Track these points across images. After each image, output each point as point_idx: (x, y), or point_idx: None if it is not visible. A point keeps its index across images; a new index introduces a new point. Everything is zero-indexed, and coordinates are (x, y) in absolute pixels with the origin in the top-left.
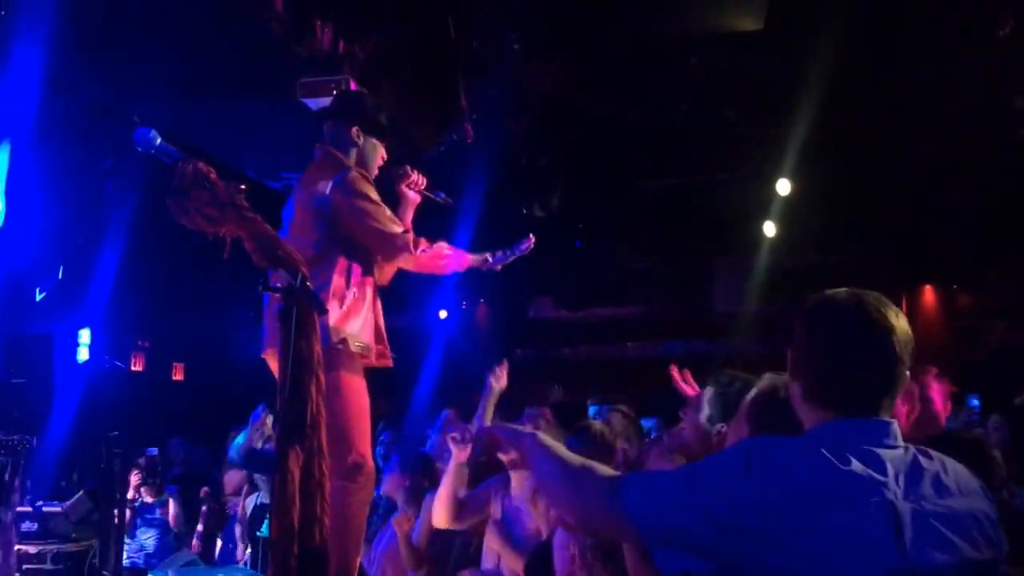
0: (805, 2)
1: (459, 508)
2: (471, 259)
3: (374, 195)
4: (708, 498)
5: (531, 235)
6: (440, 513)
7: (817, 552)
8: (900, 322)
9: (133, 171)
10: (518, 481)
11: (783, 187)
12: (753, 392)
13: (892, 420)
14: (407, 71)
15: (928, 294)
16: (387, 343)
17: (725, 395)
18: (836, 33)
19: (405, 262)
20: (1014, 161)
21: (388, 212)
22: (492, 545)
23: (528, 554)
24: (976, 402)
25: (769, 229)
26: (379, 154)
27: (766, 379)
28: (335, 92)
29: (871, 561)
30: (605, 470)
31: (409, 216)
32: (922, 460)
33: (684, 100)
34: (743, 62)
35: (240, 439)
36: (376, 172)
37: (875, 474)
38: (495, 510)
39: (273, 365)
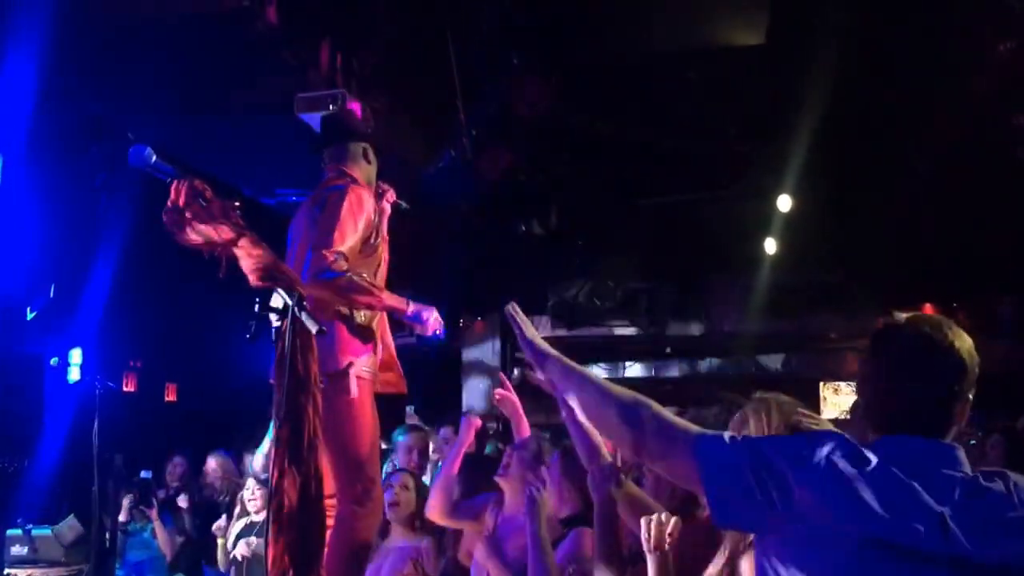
0: (807, 16)
1: (453, 507)
2: (392, 302)
3: (360, 220)
4: (779, 472)
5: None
6: (434, 505)
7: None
8: (964, 344)
9: (127, 188)
10: (512, 496)
11: (784, 203)
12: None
13: (956, 446)
14: (405, 86)
15: (928, 312)
16: (399, 369)
17: (713, 425)
18: (838, 47)
19: (311, 274)
20: (1015, 179)
21: (351, 242)
22: (481, 560)
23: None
24: (977, 421)
25: (769, 246)
26: (373, 170)
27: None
28: (332, 107)
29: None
30: (668, 414)
31: (382, 227)
32: (985, 482)
33: (683, 116)
34: (743, 77)
35: (261, 450)
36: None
37: (931, 499)
38: (487, 523)
39: None
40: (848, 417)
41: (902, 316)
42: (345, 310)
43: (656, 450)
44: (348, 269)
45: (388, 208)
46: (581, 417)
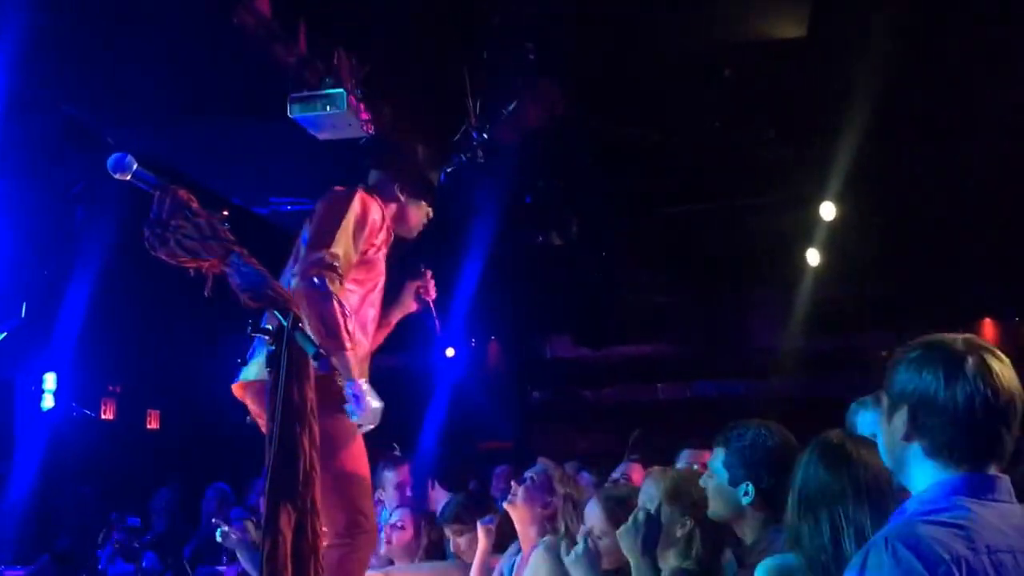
0: (853, 5)
1: None
2: (347, 363)
3: (364, 228)
4: None
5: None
6: None
7: None
8: (1005, 372)
9: (106, 199)
10: (522, 528)
11: (827, 211)
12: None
13: (1002, 475)
14: (410, 84)
15: (988, 328)
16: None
17: (740, 452)
18: (886, 40)
19: (301, 277)
20: None
21: (350, 242)
22: None
23: None
24: None
25: (812, 258)
26: (423, 214)
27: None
28: (328, 109)
29: None
30: None
31: (395, 319)
32: None
33: (716, 116)
34: (782, 73)
35: None
36: (415, 231)
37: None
38: (501, 566)
39: (247, 401)
40: None
41: (935, 339)
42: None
43: None
44: (337, 289)
45: (411, 302)
46: None
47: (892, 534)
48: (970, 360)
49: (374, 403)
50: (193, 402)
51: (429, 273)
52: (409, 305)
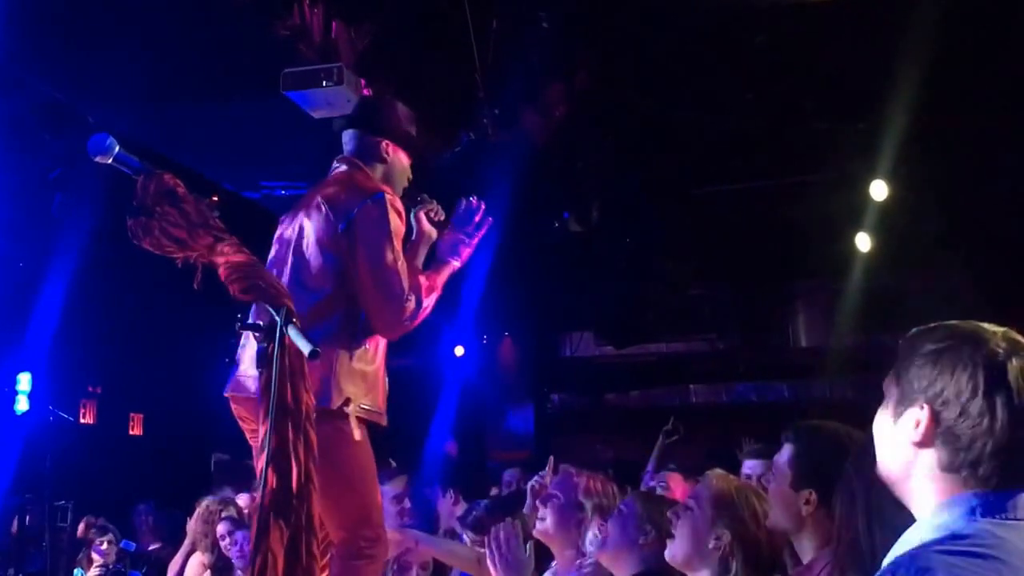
0: None
1: None
2: (444, 276)
3: (399, 240)
4: None
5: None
6: None
7: None
8: None
9: (86, 184)
10: (559, 555)
11: (877, 191)
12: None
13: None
14: (412, 57)
15: None
16: (385, 400)
17: (809, 453)
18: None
19: (392, 332)
20: None
21: (404, 266)
22: None
23: None
24: None
25: (862, 243)
26: (406, 173)
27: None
28: (325, 84)
29: None
30: None
31: (422, 254)
32: None
33: (750, 90)
34: (824, 39)
35: None
36: (401, 192)
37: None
38: None
39: (239, 409)
40: None
41: (958, 328)
42: (343, 347)
43: None
44: (417, 296)
45: (428, 227)
46: None
47: (903, 567)
48: (1015, 363)
49: (471, 216)
50: (180, 405)
51: (425, 196)
52: (427, 234)
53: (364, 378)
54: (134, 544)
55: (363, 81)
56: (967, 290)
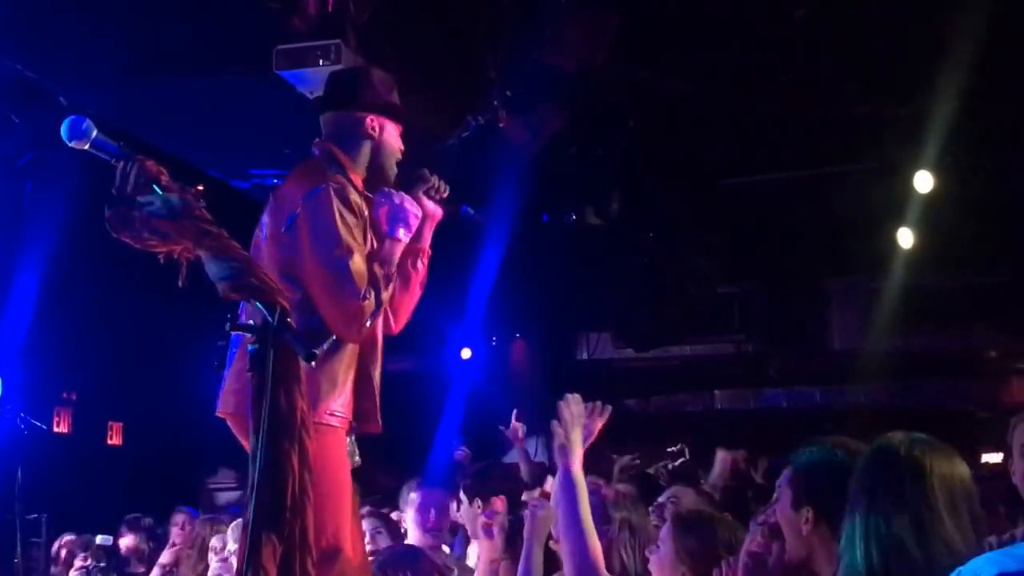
0: None
1: None
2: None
3: (353, 233)
4: None
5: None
6: None
7: None
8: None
9: (60, 171)
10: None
11: (922, 182)
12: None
13: None
14: (417, 34)
15: None
16: (377, 401)
17: (806, 469)
18: None
19: (351, 334)
20: None
21: (359, 261)
22: None
23: None
24: None
25: (904, 239)
26: (397, 148)
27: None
28: (322, 63)
29: None
30: None
31: (428, 235)
32: None
33: (787, 69)
34: (869, 13)
35: None
36: (394, 172)
37: None
38: None
39: (237, 426)
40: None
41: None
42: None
43: None
44: (376, 294)
45: (431, 206)
46: None
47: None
48: None
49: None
50: (164, 414)
51: (425, 172)
52: (431, 214)
53: (325, 385)
54: (111, 538)
55: (362, 59)
56: (1016, 291)
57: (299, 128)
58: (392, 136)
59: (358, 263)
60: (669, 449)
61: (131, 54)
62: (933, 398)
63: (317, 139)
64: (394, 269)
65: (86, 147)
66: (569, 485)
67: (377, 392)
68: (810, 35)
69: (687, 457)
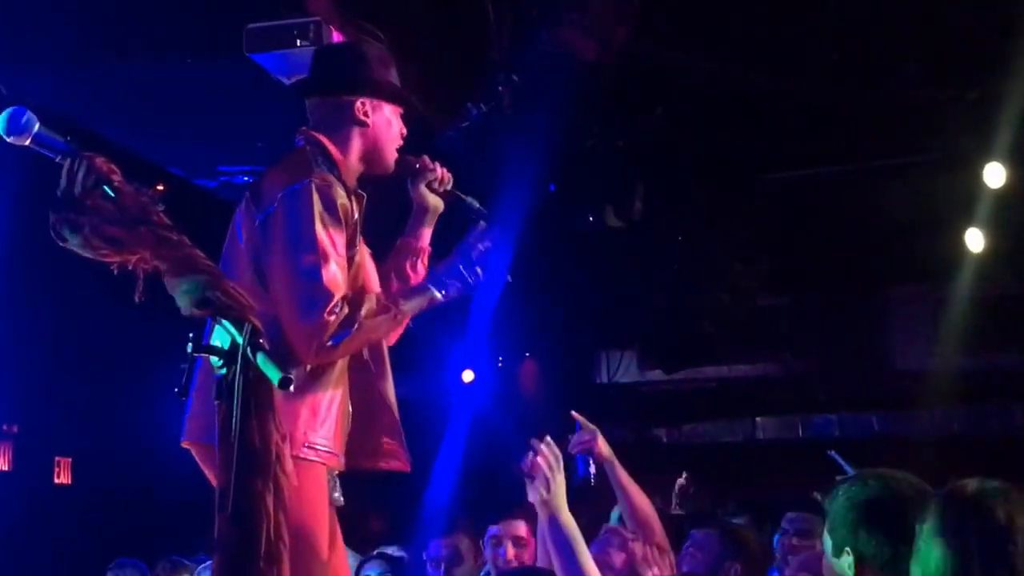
0: None
1: None
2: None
3: (334, 237)
4: None
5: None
6: None
7: None
8: None
9: None
10: None
11: (994, 176)
12: None
13: None
14: (410, 11)
15: None
16: (400, 436)
17: (847, 508)
18: None
19: (307, 350)
20: None
21: (334, 270)
22: None
23: None
24: None
25: (974, 241)
26: (396, 134)
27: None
28: (299, 43)
29: None
30: None
31: (428, 232)
32: None
33: (835, 49)
34: None
35: None
36: (392, 162)
37: None
38: None
39: (203, 457)
40: None
41: None
42: None
43: None
44: (352, 312)
45: (432, 199)
46: None
47: None
48: None
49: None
50: (118, 447)
51: (425, 159)
52: (432, 207)
53: (304, 413)
54: None
55: (345, 39)
56: None
57: (273, 119)
58: (388, 120)
59: (332, 272)
60: (679, 481)
61: (79, 35)
62: (1009, 425)
63: (303, 128)
64: (406, 312)
65: (27, 143)
66: (561, 539)
67: (396, 417)
68: (862, 9)
69: (694, 490)
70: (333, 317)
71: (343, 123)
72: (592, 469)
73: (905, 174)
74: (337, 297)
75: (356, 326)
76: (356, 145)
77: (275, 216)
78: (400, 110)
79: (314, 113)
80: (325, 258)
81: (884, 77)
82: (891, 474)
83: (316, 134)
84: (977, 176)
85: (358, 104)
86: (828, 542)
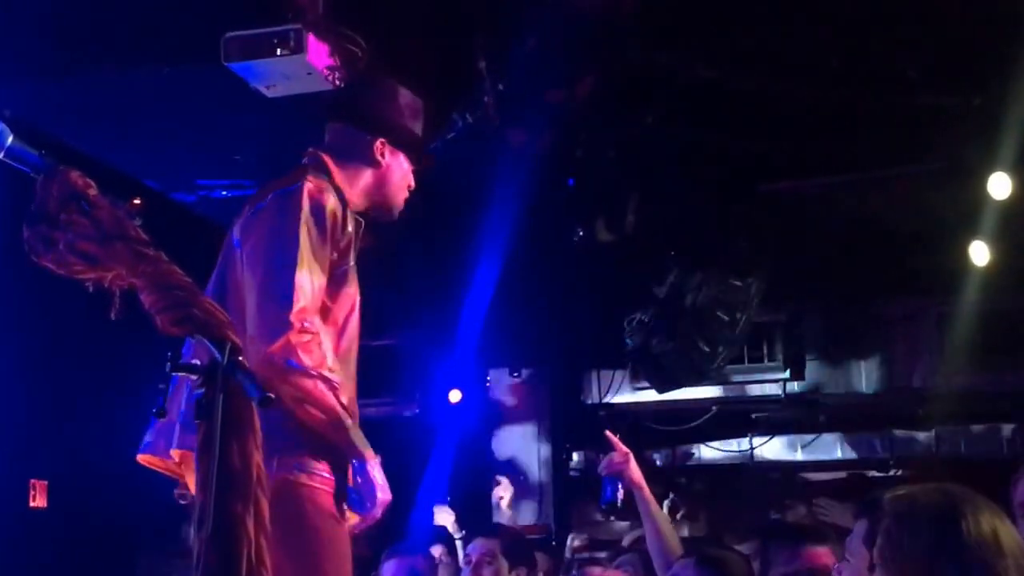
0: None
1: None
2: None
3: (314, 244)
4: None
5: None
6: None
7: None
8: None
9: None
10: None
11: (999, 186)
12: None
13: None
14: (392, 17)
15: None
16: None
17: (893, 524)
18: None
19: (272, 340)
20: None
21: (304, 280)
22: None
23: None
24: None
25: (978, 253)
26: (405, 183)
27: None
28: (280, 52)
29: None
30: None
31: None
32: None
33: (836, 52)
34: None
35: None
36: (396, 210)
37: None
38: None
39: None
40: None
41: None
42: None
43: None
44: (318, 365)
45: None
46: None
47: None
48: None
49: (381, 494)
50: (95, 470)
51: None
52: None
53: (356, 429)
54: None
55: (327, 48)
56: None
57: (252, 131)
58: (401, 170)
59: (303, 282)
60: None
61: (53, 43)
62: (1016, 446)
63: (311, 148)
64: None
65: (0, 156)
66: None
67: None
68: (865, 13)
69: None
70: (291, 334)
71: (355, 155)
72: (620, 494)
73: (908, 184)
74: (303, 303)
75: (310, 374)
76: (363, 180)
77: (264, 211)
78: (413, 167)
79: (331, 135)
80: (296, 264)
81: (886, 84)
82: (953, 489)
83: (326, 156)
84: (982, 187)
85: (377, 144)
86: (865, 554)
